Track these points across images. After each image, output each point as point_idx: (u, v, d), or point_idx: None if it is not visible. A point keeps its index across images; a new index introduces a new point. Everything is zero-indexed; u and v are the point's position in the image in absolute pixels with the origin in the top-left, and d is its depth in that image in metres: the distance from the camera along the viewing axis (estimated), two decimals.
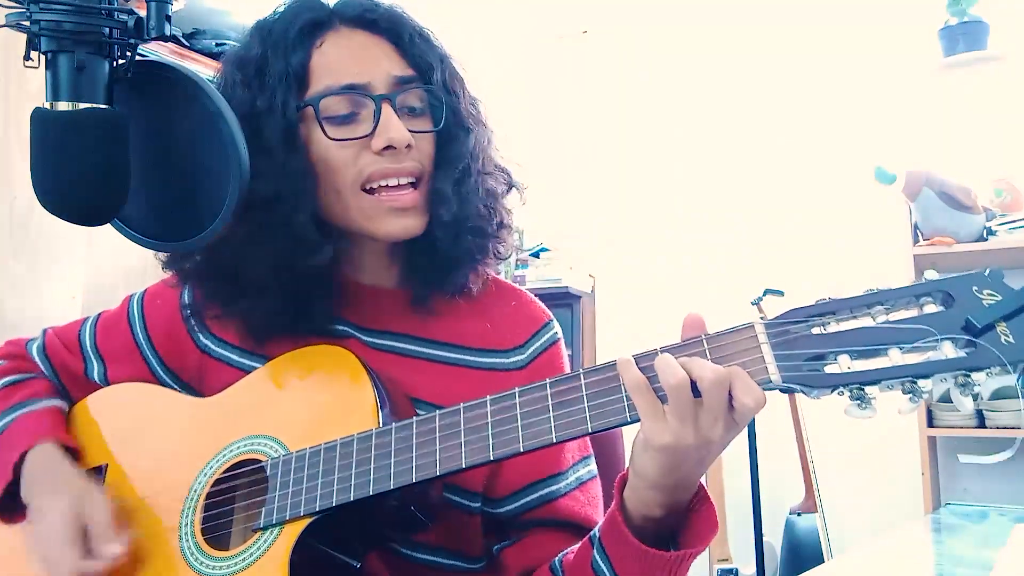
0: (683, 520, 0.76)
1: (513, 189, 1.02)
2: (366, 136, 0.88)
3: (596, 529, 0.80)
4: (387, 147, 0.87)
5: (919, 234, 2.75)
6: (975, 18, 2.83)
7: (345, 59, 0.90)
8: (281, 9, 0.94)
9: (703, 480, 0.76)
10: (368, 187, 0.89)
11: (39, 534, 0.83)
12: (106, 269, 2.13)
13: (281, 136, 0.87)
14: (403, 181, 0.89)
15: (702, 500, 0.76)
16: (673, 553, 0.74)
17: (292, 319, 0.92)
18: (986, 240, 2.67)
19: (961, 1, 2.81)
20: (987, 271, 0.66)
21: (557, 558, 0.87)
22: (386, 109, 0.88)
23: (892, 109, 3.02)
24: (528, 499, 0.92)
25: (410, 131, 0.89)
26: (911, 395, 0.64)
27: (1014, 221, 2.65)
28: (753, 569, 2.67)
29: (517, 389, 0.75)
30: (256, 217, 0.85)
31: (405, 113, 0.90)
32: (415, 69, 0.92)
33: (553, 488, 0.92)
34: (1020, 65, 2.85)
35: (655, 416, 0.67)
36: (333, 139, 0.88)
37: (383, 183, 0.89)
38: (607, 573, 0.77)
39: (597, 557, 0.78)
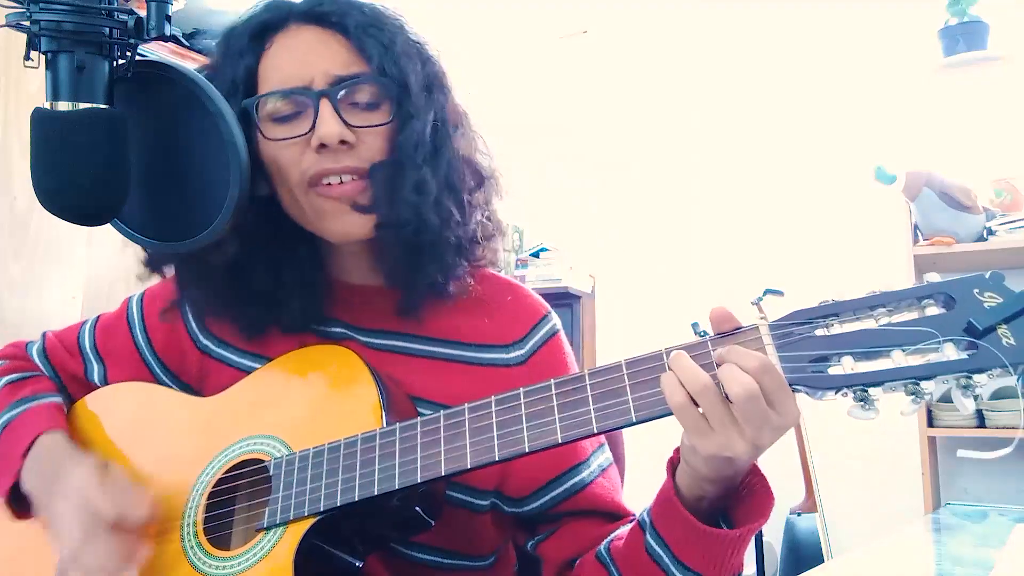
0: (735, 497, 0.76)
1: (487, 183, 0.97)
2: (305, 135, 0.86)
3: (645, 513, 0.80)
4: (321, 144, 0.86)
5: (919, 234, 2.75)
6: (975, 18, 2.83)
7: (287, 59, 0.89)
8: (249, 12, 0.94)
9: None
10: (314, 185, 0.88)
11: (66, 495, 0.83)
12: (106, 269, 2.13)
13: None
14: (345, 179, 0.87)
15: (754, 474, 0.75)
16: (735, 531, 0.74)
17: (276, 316, 0.92)
18: (986, 240, 2.67)
19: (961, 1, 2.81)
20: (988, 274, 0.67)
21: (603, 546, 0.87)
22: (323, 106, 0.86)
23: (892, 109, 3.02)
24: (556, 492, 0.92)
25: (355, 126, 0.87)
26: (913, 396, 0.64)
27: (1014, 221, 2.65)
28: (753, 569, 2.67)
29: (522, 389, 0.75)
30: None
31: (352, 108, 0.88)
32: (366, 60, 0.89)
33: (579, 478, 0.92)
34: (1020, 65, 2.86)
35: (701, 432, 0.68)
36: (270, 139, 0.87)
37: (327, 180, 0.87)
38: (664, 556, 0.77)
39: (651, 541, 0.78)
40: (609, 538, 0.86)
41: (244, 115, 0.87)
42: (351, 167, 0.87)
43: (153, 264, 0.95)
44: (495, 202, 0.99)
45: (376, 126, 0.88)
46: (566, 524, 0.92)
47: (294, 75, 0.87)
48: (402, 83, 0.89)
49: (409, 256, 0.90)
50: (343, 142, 0.86)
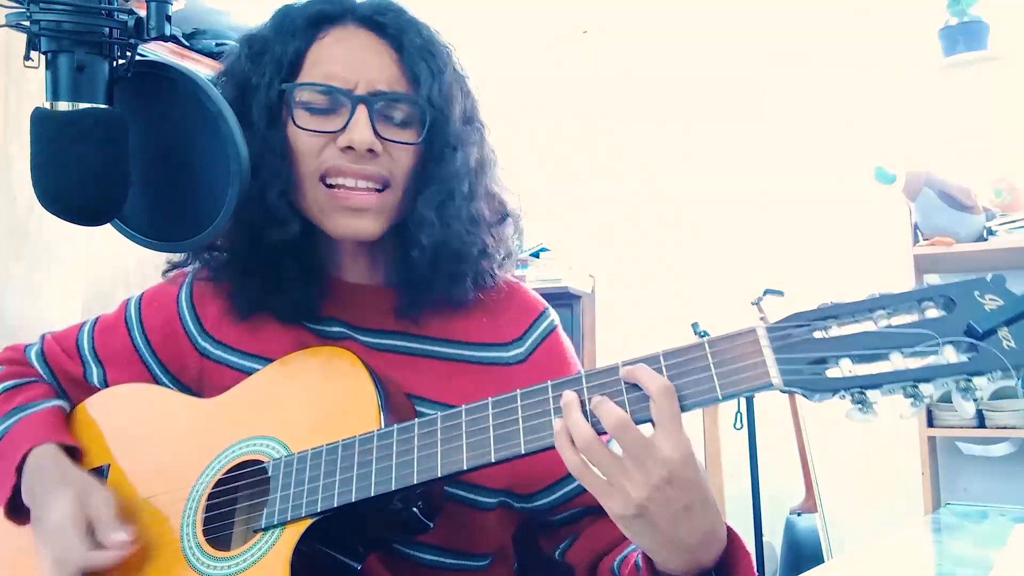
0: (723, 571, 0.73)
1: (507, 219, 1.00)
2: (335, 132, 0.88)
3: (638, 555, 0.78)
4: (348, 147, 0.87)
5: (919, 234, 2.75)
6: (975, 18, 2.83)
7: (338, 56, 0.90)
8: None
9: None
10: (327, 181, 0.90)
11: (45, 531, 0.83)
12: (106, 269, 2.13)
13: (264, 113, 0.89)
14: (361, 184, 0.89)
15: (736, 550, 0.73)
16: None
17: (271, 299, 0.94)
18: (986, 240, 2.66)
19: (961, 1, 2.81)
20: (990, 276, 0.66)
21: (616, 561, 0.87)
22: (360, 111, 0.88)
23: (892, 109, 3.02)
24: (566, 489, 0.92)
25: (387, 139, 0.89)
26: (912, 399, 0.64)
27: (1014, 221, 2.65)
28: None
29: (519, 391, 0.75)
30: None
31: (385, 121, 0.90)
32: (410, 80, 0.91)
33: None
34: (1020, 65, 2.85)
35: (602, 491, 0.68)
36: (300, 127, 0.89)
37: (340, 181, 0.89)
38: None
39: None
40: (622, 555, 0.86)
41: (278, 95, 0.90)
42: (369, 173, 0.89)
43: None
44: (512, 233, 1.02)
45: (405, 144, 0.90)
46: (587, 527, 0.92)
47: (340, 74, 0.89)
48: (445, 113, 0.91)
49: (428, 274, 0.92)
50: (370, 150, 0.87)
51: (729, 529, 0.73)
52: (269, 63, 0.91)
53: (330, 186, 0.89)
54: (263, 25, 0.96)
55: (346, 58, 0.90)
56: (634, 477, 0.66)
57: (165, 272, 1.03)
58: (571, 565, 0.94)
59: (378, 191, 0.90)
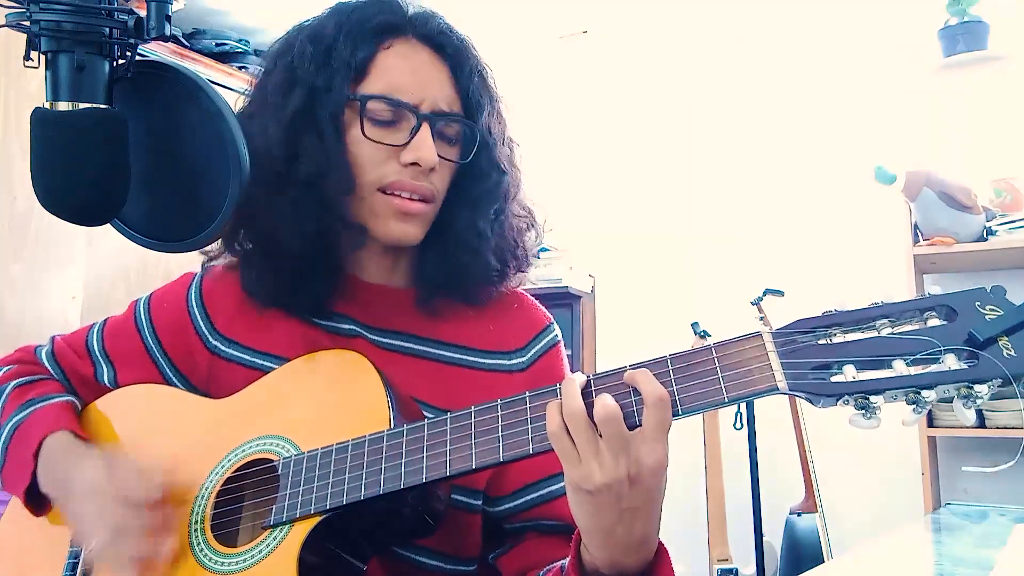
0: None
1: (533, 229, 1.07)
2: (399, 146, 0.91)
3: (565, 561, 0.80)
4: (414, 163, 0.91)
5: (919, 234, 2.75)
6: (975, 18, 2.83)
7: (405, 71, 0.93)
8: (362, 1, 0.97)
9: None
10: (385, 191, 0.93)
11: (78, 496, 0.86)
12: (106, 269, 2.13)
13: (331, 119, 0.91)
14: (415, 197, 0.93)
15: (661, 565, 0.75)
16: None
17: (290, 290, 0.96)
18: (986, 240, 2.66)
19: (961, 1, 2.81)
20: (990, 287, 0.68)
21: (542, 571, 0.87)
22: (424, 128, 0.91)
23: (892, 109, 3.02)
24: (528, 497, 0.93)
25: (442, 157, 0.93)
26: (915, 405, 0.65)
27: (1014, 221, 2.65)
28: (753, 569, 2.67)
29: (528, 393, 0.75)
30: (297, 195, 0.90)
31: (441, 138, 0.94)
32: (464, 103, 0.96)
33: (553, 488, 0.93)
34: (1020, 65, 2.85)
35: (569, 459, 0.69)
36: (369, 137, 0.91)
37: (398, 192, 0.92)
38: None
39: None
40: (547, 568, 0.87)
41: (325, 91, 0.91)
42: (425, 189, 0.93)
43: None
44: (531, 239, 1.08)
45: (455, 162, 0.96)
46: (528, 539, 0.93)
47: (407, 89, 0.92)
48: (492, 134, 0.98)
49: (454, 278, 0.97)
50: (431, 168, 0.92)
51: (660, 545, 0.75)
52: (338, 68, 0.92)
53: (387, 194, 0.92)
54: (320, 23, 0.96)
55: (412, 74, 0.93)
56: (605, 462, 0.68)
57: (204, 264, 1.05)
58: (500, 570, 0.95)
59: (424, 202, 0.94)
